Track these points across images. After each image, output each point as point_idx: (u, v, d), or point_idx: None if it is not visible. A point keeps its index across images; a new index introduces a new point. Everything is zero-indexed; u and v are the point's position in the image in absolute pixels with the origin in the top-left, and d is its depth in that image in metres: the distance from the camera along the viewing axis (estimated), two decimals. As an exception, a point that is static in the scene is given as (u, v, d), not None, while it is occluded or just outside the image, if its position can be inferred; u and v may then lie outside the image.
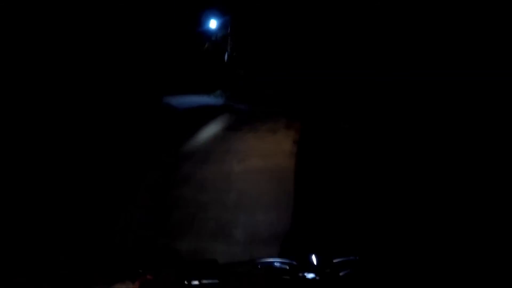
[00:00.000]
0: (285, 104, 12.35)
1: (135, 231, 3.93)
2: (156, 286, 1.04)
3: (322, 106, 10.16)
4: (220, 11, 17.45)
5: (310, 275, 1.06)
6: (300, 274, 1.09)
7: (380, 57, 9.11)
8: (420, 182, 4.08)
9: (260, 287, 1.10)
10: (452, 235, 2.81)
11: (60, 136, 6.86)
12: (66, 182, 5.01)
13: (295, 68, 13.84)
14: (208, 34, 18.13)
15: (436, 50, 7.22)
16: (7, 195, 3.96)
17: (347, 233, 3.14)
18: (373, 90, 8.71)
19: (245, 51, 17.17)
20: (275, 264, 1.15)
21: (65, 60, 11.28)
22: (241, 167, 5.86)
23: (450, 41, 6.93)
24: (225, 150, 6.92)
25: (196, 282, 1.03)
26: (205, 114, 12.17)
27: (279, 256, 1.17)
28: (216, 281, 1.06)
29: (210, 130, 9.45)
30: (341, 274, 1.08)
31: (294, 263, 1.15)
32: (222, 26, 17.60)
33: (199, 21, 18.18)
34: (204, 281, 1.03)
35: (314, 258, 1.12)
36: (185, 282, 1.04)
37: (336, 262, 1.12)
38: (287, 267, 1.13)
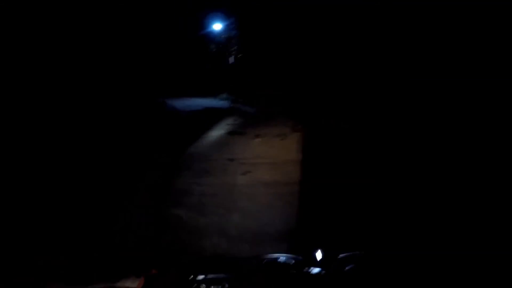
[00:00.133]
0: (292, 106, 11.55)
1: (135, 230, 3.54)
2: (161, 281, 0.99)
3: (325, 106, 9.46)
4: (225, 13, 16.64)
5: (315, 270, 1.02)
6: (305, 269, 1.04)
7: (381, 58, 8.83)
8: (422, 180, 4.02)
9: (265, 281, 1.03)
10: (454, 231, 2.74)
11: (62, 138, 6.45)
12: (67, 183, 4.60)
13: (300, 70, 13.12)
14: (213, 36, 17.33)
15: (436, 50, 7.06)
16: (7, 195, 3.72)
17: (352, 230, 3.07)
18: (373, 90, 8.44)
19: (251, 53, 16.36)
20: (281, 259, 1.10)
21: (69, 62, 10.74)
22: (245, 180, 5.01)
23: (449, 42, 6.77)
24: (228, 158, 6.09)
25: (201, 277, 0.99)
26: (209, 117, 11.35)
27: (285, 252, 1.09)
28: (221, 276, 1.00)
29: (214, 135, 8.60)
30: (346, 269, 1.02)
31: (300, 258, 1.11)
32: (227, 28, 16.78)
33: (204, 24, 17.41)
34: (210, 276, 0.99)
35: (319, 254, 1.07)
36: (191, 277, 0.99)
37: (340, 258, 1.06)
38: (293, 262, 1.09)
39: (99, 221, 3.72)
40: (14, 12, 9.44)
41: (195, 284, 1.01)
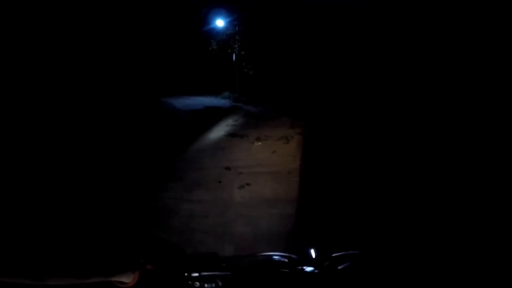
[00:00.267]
0: (296, 105, 10.75)
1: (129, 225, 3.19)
2: (156, 276, 0.90)
3: (330, 105, 9.01)
4: (227, 10, 15.74)
5: (309, 269, 0.95)
6: (299, 267, 0.97)
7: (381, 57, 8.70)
8: (418, 178, 3.98)
9: (259, 280, 0.99)
10: (452, 229, 2.65)
11: (56, 138, 6.20)
12: (62, 180, 4.38)
13: (304, 66, 12.29)
14: (215, 33, 16.41)
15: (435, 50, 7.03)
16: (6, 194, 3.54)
17: (347, 228, 2.99)
18: (375, 89, 8.37)
19: (254, 50, 15.44)
20: (274, 257, 1.03)
21: (63, 58, 10.14)
22: (243, 196, 4.14)
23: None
24: (225, 167, 5.23)
25: (196, 274, 0.92)
26: (209, 118, 10.49)
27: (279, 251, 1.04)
28: (215, 273, 0.93)
29: (211, 137, 7.74)
30: (339, 267, 0.96)
31: (294, 256, 1.03)
32: (230, 25, 15.85)
33: (206, 20, 16.51)
34: (204, 273, 0.92)
35: (313, 252, 1.00)
36: (185, 274, 0.92)
37: (335, 256, 0.98)
38: (286, 260, 1.01)
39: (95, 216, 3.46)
40: (12, 11, 9.00)
41: (189, 281, 0.97)
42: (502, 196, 3.08)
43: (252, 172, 4.99)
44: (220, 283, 0.94)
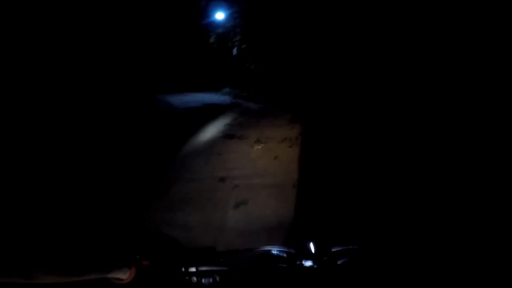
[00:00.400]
0: (300, 102, 9.89)
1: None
2: (153, 272, 0.87)
3: (335, 102, 8.26)
4: (227, 1, 14.79)
5: (308, 263, 0.93)
6: (298, 262, 0.95)
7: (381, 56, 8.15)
8: (419, 172, 3.89)
9: (257, 274, 0.98)
10: (452, 225, 2.57)
11: (49, 138, 5.74)
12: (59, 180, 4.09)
13: (307, 61, 11.44)
14: (215, 26, 15.46)
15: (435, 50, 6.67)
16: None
17: (347, 223, 2.86)
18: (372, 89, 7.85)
19: (256, 44, 14.50)
20: (273, 252, 1.01)
21: (59, 53, 9.40)
22: (239, 219, 3.28)
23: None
24: (220, 177, 4.38)
25: (193, 269, 0.90)
26: (207, 116, 9.63)
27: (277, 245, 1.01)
28: (213, 268, 0.92)
29: (207, 139, 6.88)
30: (339, 262, 0.94)
31: (292, 251, 1.01)
32: (230, 17, 14.90)
33: (205, 13, 15.57)
34: (201, 268, 0.91)
35: (312, 246, 0.97)
36: (182, 269, 0.91)
37: (334, 251, 0.97)
38: (285, 255, 1.00)
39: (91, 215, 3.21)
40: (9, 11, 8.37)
41: (186, 276, 0.91)
42: (502, 195, 2.95)
43: (250, 184, 4.13)
44: (217, 278, 0.89)
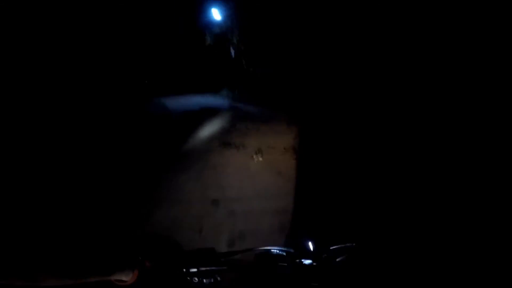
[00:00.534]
0: (305, 105, 9.11)
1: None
2: (155, 273, 0.87)
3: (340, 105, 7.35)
4: (224, 1, 13.98)
5: (307, 262, 0.95)
6: (297, 261, 0.97)
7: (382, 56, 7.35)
8: (417, 172, 3.70)
9: (257, 273, 0.98)
10: (449, 223, 2.49)
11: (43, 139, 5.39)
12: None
13: (310, 61, 10.67)
14: (212, 26, 14.66)
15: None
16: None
17: (345, 221, 2.79)
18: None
19: (255, 44, 13.71)
20: (272, 251, 1.00)
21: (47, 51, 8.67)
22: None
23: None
24: (212, 200, 3.58)
25: (194, 270, 0.90)
26: (202, 121, 8.85)
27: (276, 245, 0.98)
28: (213, 268, 0.92)
29: (201, 149, 6.05)
30: (337, 260, 0.96)
31: (291, 250, 1.02)
32: (227, 17, 14.09)
33: (202, 12, 14.76)
34: (202, 269, 0.90)
35: (310, 245, 0.99)
36: (183, 270, 0.90)
37: (332, 249, 0.98)
38: (284, 254, 1.00)
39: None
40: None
41: (188, 277, 0.89)
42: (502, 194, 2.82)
43: (249, 210, 3.32)
44: (218, 278, 0.90)
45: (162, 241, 0.99)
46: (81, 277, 0.76)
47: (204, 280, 0.91)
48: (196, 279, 0.91)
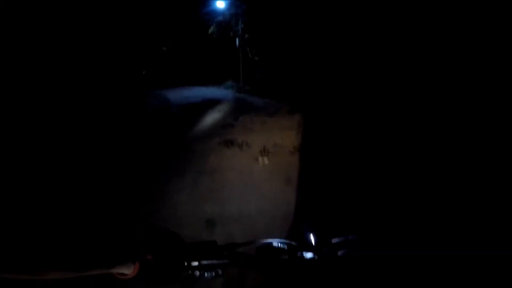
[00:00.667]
0: (312, 97, 8.28)
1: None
2: (156, 266, 0.83)
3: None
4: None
5: (309, 255, 0.88)
6: (299, 254, 0.90)
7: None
8: (418, 164, 3.66)
9: (259, 266, 0.94)
10: (452, 217, 2.48)
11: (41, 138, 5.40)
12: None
13: (318, 50, 9.77)
14: (216, 15, 13.70)
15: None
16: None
17: (347, 214, 2.64)
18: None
19: (260, 33, 12.76)
20: (274, 244, 0.93)
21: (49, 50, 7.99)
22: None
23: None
24: (206, 220, 2.84)
25: (195, 263, 0.84)
26: (205, 114, 8.05)
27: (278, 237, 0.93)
28: (215, 261, 0.86)
29: (200, 148, 5.25)
30: (339, 253, 0.89)
31: (293, 243, 0.94)
32: (232, 6, 13.12)
33: (205, 1, 13.79)
34: (204, 262, 0.85)
35: (312, 238, 0.91)
36: (185, 263, 0.85)
37: (334, 242, 0.91)
38: (286, 247, 0.93)
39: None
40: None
41: (189, 270, 0.83)
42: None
43: (251, 235, 2.57)
44: (220, 271, 0.85)
45: (164, 235, 0.85)
46: (83, 270, 0.74)
47: (206, 273, 0.83)
48: (198, 272, 0.83)
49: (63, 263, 0.74)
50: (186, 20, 14.34)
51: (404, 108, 5.90)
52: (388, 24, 7.92)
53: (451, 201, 2.84)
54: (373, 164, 4.13)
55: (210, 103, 9.69)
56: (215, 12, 13.67)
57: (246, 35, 12.92)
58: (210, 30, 13.25)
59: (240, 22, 12.95)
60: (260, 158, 4.39)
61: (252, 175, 3.83)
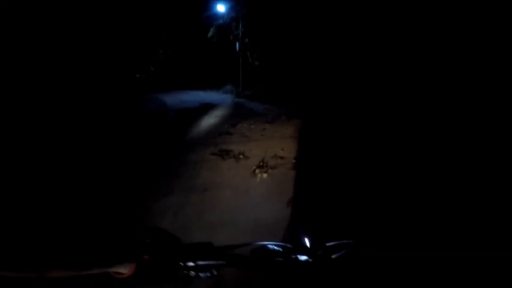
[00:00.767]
0: (313, 103, 7.75)
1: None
2: (152, 266, 0.84)
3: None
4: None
5: (303, 258, 0.88)
6: (294, 256, 0.89)
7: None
8: (413, 167, 3.52)
9: (253, 269, 0.96)
10: (447, 220, 2.39)
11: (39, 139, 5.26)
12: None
13: (319, 54, 9.26)
14: (216, 19, 13.18)
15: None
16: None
17: (342, 218, 2.55)
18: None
19: (260, 37, 12.25)
20: (269, 246, 0.93)
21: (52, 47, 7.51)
22: None
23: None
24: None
25: (191, 264, 0.85)
26: (200, 120, 7.54)
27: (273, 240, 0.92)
28: (210, 262, 0.86)
29: (193, 158, 4.71)
30: (333, 256, 0.88)
31: (288, 246, 0.94)
32: (232, 10, 12.61)
33: (206, 5, 13.29)
34: (199, 263, 0.85)
35: (307, 241, 0.92)
36: (181, 264, 0.86)
37: (329, 245, 0.90)
38: (281, 250, 0.93)
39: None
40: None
41: (185, 270, 0.84)
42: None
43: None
44: (215, 272, 0.85)
45: (161, 236, 0.86)
46: (82, 269, 0.75)
47: (201, 274, 0.83)
48: (193, 272, 0.83)
49: (62, 262, 0.75)
50: (186, 23, 13.83)
51: (404, 111, 5.71)
52: (387, 32, 7.62)
53: (450, 203, 2.72)
54: (374, 165, 3.82)
55: (208, 108, 9.16)
56: (215, 16, 13.16)
57: (247, 39, 12.40)
58: (210, 34, 12.73)
59: (240, 26, 12.43)
60: (257, 171, 3.84)
61: (247, 194, 3.27)
